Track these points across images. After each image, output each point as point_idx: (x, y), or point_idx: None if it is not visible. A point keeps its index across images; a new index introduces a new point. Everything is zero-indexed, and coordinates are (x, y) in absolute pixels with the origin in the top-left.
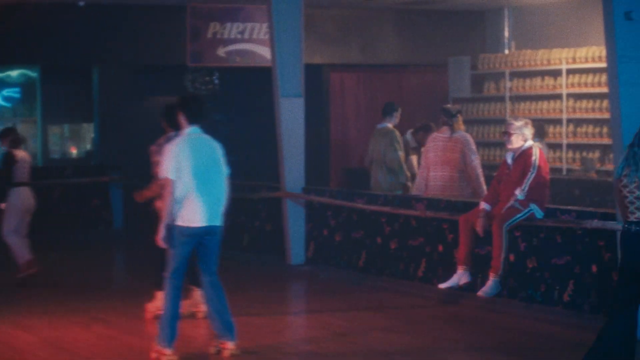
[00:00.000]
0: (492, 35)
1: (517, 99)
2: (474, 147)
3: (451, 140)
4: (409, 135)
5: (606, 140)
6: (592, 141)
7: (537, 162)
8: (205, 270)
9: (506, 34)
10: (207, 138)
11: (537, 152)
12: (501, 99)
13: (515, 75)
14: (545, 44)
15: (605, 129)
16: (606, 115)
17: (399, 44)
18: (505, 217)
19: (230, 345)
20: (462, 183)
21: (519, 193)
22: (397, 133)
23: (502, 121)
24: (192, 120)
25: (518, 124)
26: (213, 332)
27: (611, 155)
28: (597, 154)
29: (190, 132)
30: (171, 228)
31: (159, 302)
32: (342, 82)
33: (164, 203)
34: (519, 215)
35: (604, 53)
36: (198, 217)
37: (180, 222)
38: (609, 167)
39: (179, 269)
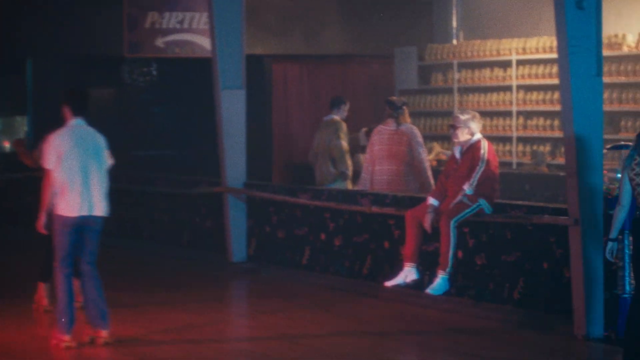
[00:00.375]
0: (440, 25)
1: (466, 90)
2: (421, 139)
3: (397, 133)
4: (362, 134)
5: (557, 133)
6: (542, 134)
7: (486, 156)
8: (84, 260)
9: (454, 23)
10: (90, 130)
11: (486, 145)
12: (449, 91)
13: (463, 66)
14: (494, 34)
15: (556, 122)
16: (557, 108)
17: (344, 34)
18: (454, 212)
19: (104, 334)
20: (409, 177)
21: (467, 188)
22: (344, 125)
23: (450, 114)
24: (76, 113)
25: (464, 117)
26: (88, 321)
27: (562, 149)
28: (548, 148)
29: (74, 124)
30: (52, 217)
31: (40, 293)
32: (284, 73)
33: (44, 192)
34: (467, 211)
35: (554, 43)
36: (76, 207)
37: (59, 212)
38: (560, 160)
39: (66, 257)
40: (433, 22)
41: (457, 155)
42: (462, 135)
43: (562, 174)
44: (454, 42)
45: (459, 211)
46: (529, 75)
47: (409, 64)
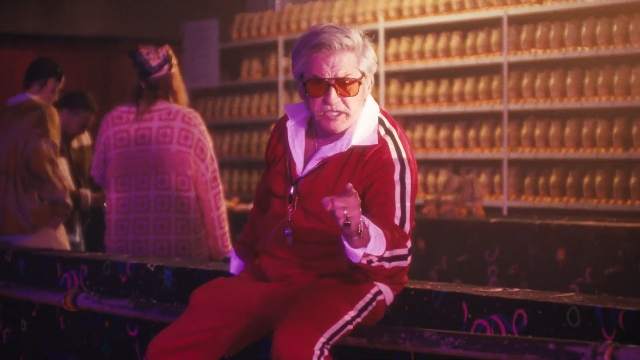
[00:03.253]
0: None
1: None
2: None
3: None
4: None
5: (467, 152)
6: (439, 154)
7: None
8: None
9: None
10: None
11: None
12: (271, 87)
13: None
14: None
15: (469, 132)
16: (459, 107)
17: (105, 7)
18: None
19: None
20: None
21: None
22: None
23: (272, 123)
24: None
25: None
26: None
27: (500, 176)
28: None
29: None
30: None
31: None
32: (12, 61)
33: None
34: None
35: None
36: None
37: None
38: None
39: None
40: None
41: None
42: None
43: (539, 221)
44: (277, 7)
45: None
46: (407, 55)
47: (207, 47)
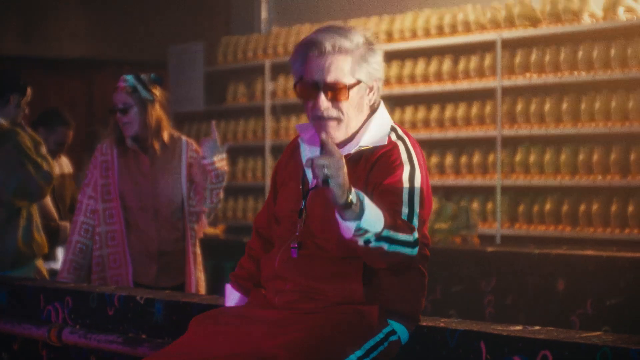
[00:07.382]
0: (241, 8)
1: (287, 110)
2: None
3: None
4: None
5: (459, 178)
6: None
7: None
8: None
9: (263, 3)
10: None
11: None
12: (258, 112)
13: (281, 69)
14: (332, 13)
15: (464, 158)
16: (455, 132)
17: (88, 29)
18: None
19: None
20: None
21: None
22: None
23: (260, 150)
24: None
25: None
26: None
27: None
28: (475, 204)
29: None
30: None
31: None
32: None
33: None
34: None
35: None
36: None
37: None
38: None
39: None
40: (231, 4)
41: None
42: None
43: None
44: (263, 31)
45: None
46: (398, 79)
47: (192, 70)
